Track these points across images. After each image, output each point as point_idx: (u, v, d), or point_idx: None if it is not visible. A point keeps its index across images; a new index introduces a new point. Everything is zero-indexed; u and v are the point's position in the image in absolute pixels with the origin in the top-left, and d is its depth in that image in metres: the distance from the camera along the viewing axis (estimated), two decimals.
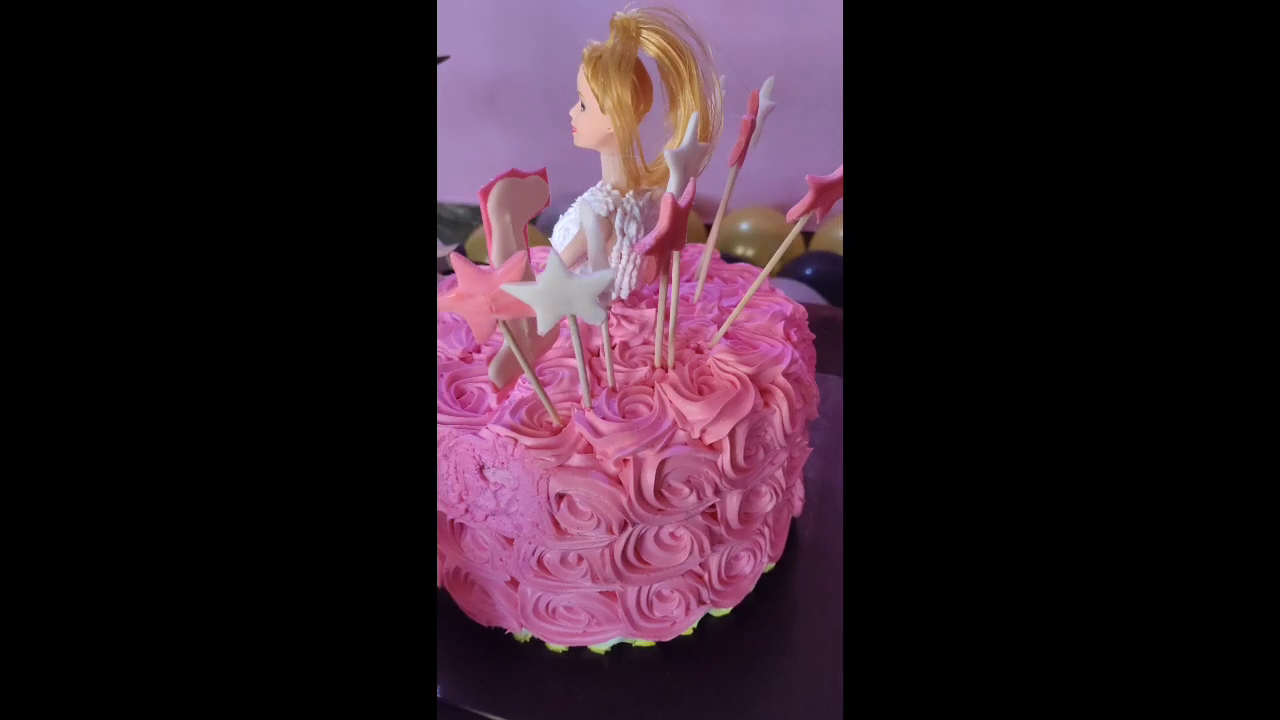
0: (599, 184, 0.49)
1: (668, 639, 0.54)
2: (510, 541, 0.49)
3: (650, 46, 0.44)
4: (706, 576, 0.53)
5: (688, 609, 0.53)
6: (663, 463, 0.45)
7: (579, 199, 0.50)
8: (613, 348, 0.53)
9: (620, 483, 0.45)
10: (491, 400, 0.49)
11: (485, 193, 0.40)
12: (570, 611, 0.51)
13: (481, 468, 0.46)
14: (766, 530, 0.56)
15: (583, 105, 0.47)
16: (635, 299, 0.56)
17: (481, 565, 0.51)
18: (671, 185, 0.46)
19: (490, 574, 0.51)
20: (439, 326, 0.56)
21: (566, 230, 0.50)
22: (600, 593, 0.50)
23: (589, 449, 0.45)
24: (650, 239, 0.39)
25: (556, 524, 0.46)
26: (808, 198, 0.44)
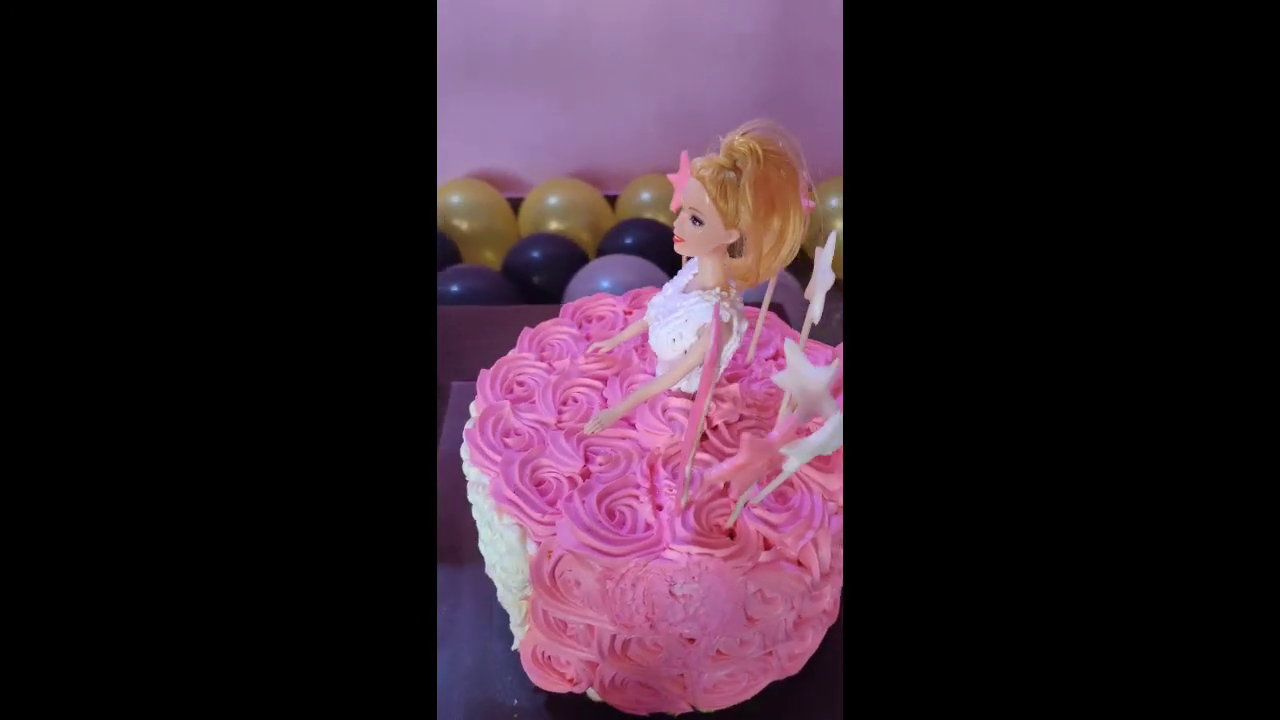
0: (702, 290, 0.51)
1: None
2: (692, 640, 0.51)
3: (773, 168, 0.46)
4: None
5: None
6: None
7: (685, 307, 0.51)
8: (714, 429, 0.56)
9: (803, 564, 0.49)
10: (646, 514, 0.50)
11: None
12: (732, 678, 0.56)
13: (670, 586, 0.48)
14: None
15: (696, 220, 0.48)
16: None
17: (656, 668, 0.53)
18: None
19: (665, 671, 0.53)
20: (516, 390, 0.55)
21: (678, 337, 0.51)
22: (764, 654, 0.55)
23: (768, 544, 0.49)
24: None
25: (749, 617, 0.50)
26: None
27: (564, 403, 0.58)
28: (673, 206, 0.65)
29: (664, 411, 0.55)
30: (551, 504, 0.51)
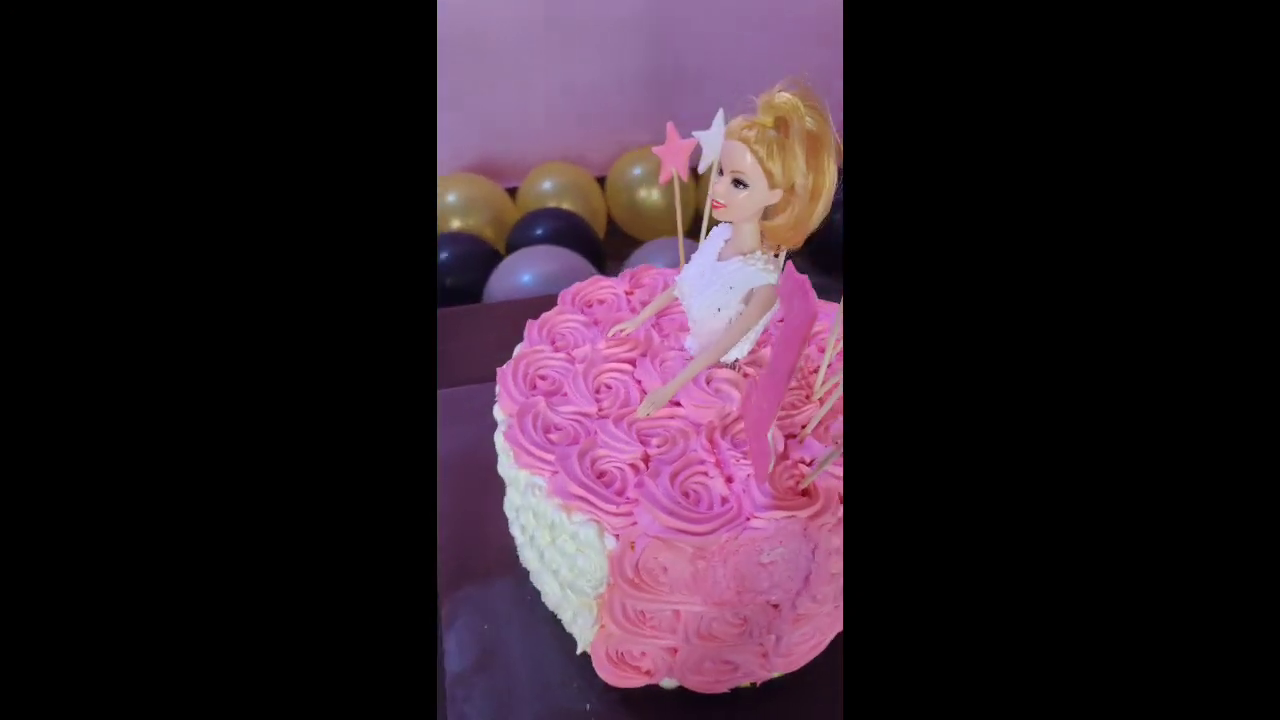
0: (747, 254, 0.50)
1: None
2: (777, 606, 0.51)
3: (809, 122, 0.46)
4: None
5: None
6: None
7: (729, 271, 0.50)
8: None
9: None
10: (719, 489, 0.49)
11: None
12: (806, 637, 0.56)
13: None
14: None
15: (739, 183, 0.47)
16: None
17: (739, 641, 0.52)
18: None
19: (748, 644, 0.53)
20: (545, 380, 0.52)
21: (723, 306, 0.51)
22: (836, 607, 0.56)
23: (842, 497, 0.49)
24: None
25: (831, 573, 0.50)
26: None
27: (597, 391, 0.56)
28: (661, 180, 0.64)
29: (709, 383, 0.54)
30: (620, 494, 0.49)
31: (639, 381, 0.57)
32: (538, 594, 0.62)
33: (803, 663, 0.58)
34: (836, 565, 0.50)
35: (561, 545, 0.51)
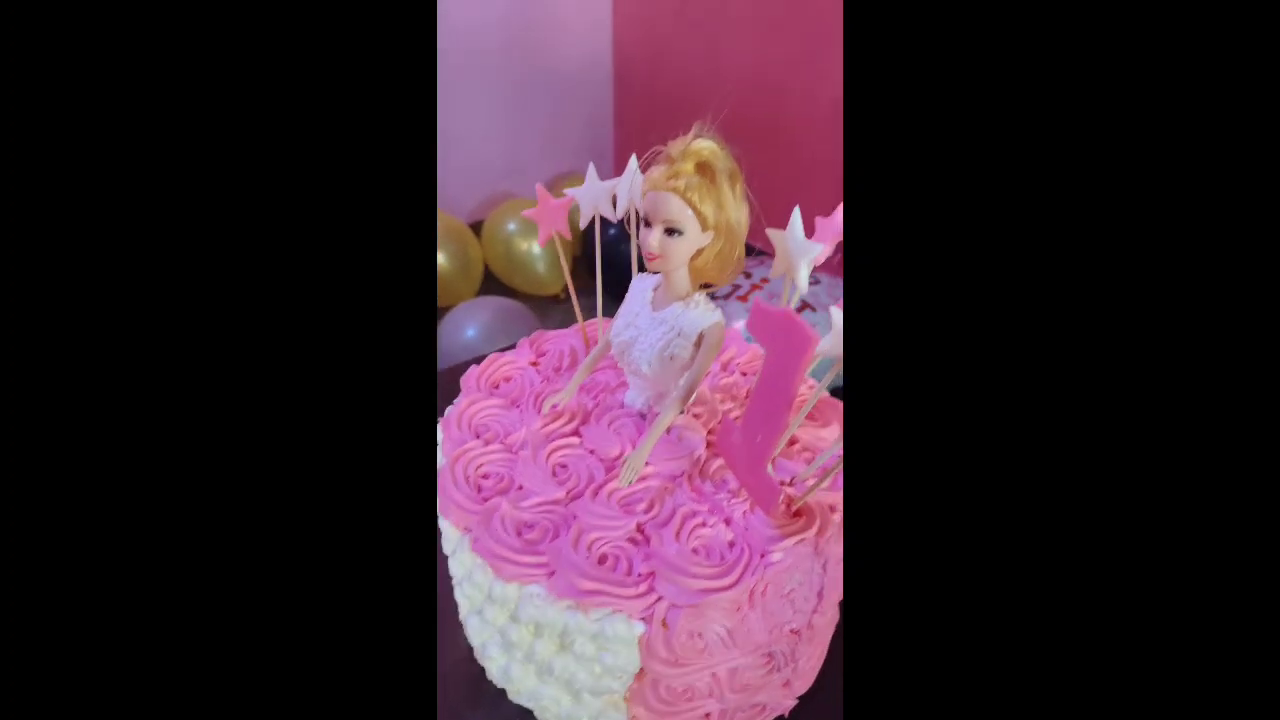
0: (685, 299, 0.50)
1: None
2: (797, 632, 0.51)
3: (727, 162, 0.47)
4: None
5: None
6: None
7: (673, 318, 0.50)
8: (710, 432, 0.55)
9: None
10: (724, 534, 0.48)
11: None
12: (819, 653, 0.57)
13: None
14: None
15: (672, 231, 0.47)
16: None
17: (769, 680, 0.51)
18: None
19: (777, 678, 0.51)
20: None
21: (675, 353, 0.50)
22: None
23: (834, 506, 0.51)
24: None
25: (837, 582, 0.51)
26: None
27: (554, 474, 0.52)
28: (540, 242, 0.62)
29: (669, 433, 0.53)
30: (629, 574, 0.46)
31: (592, 451, 0.54)
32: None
33: (814, 678, 0.58)
34: (839, 572, 0.52)
35: (579, 649, 0.46)
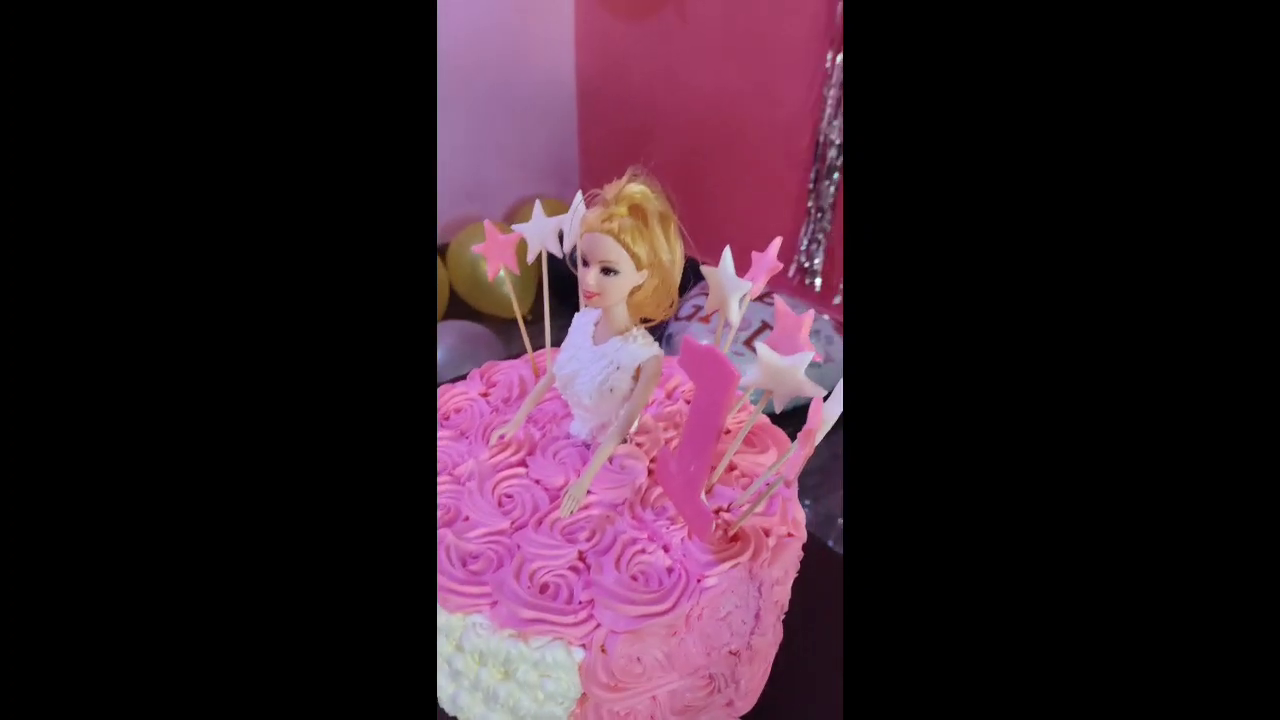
0: (624, 333, 0.52)
1: None
2: (736, 653, 0.52)
3: (658, 204, 0.49)
4: None
5: None
6: None
7: (612, 352, 0.52)
8: (652, 461, 0.57)
9: (793, 533, 0.54)
10: (662, 560, 0.49)
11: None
12: (762, 671, 0.58)
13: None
14: None
15: (608, 270, 0.49)
16: None
17: (711, 701, 0.52)
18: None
19: (719, 699, 0.53)
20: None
21: (614, 385, 0.52)
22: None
23: (769, 530, 0.53)
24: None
25: (776, 602, 0.53)
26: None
27: (499, 504, 0.54)
28: (490, 276, 0.64)
29: (612, 462, 0.55)
30: (570, 601, 0.47)
31: (537, 481, 0.55)
32: None
33: (758, 695, 0.60)
34: (778, 594, 0.54)
35: (522, 677, 0.47)
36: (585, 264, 0.50)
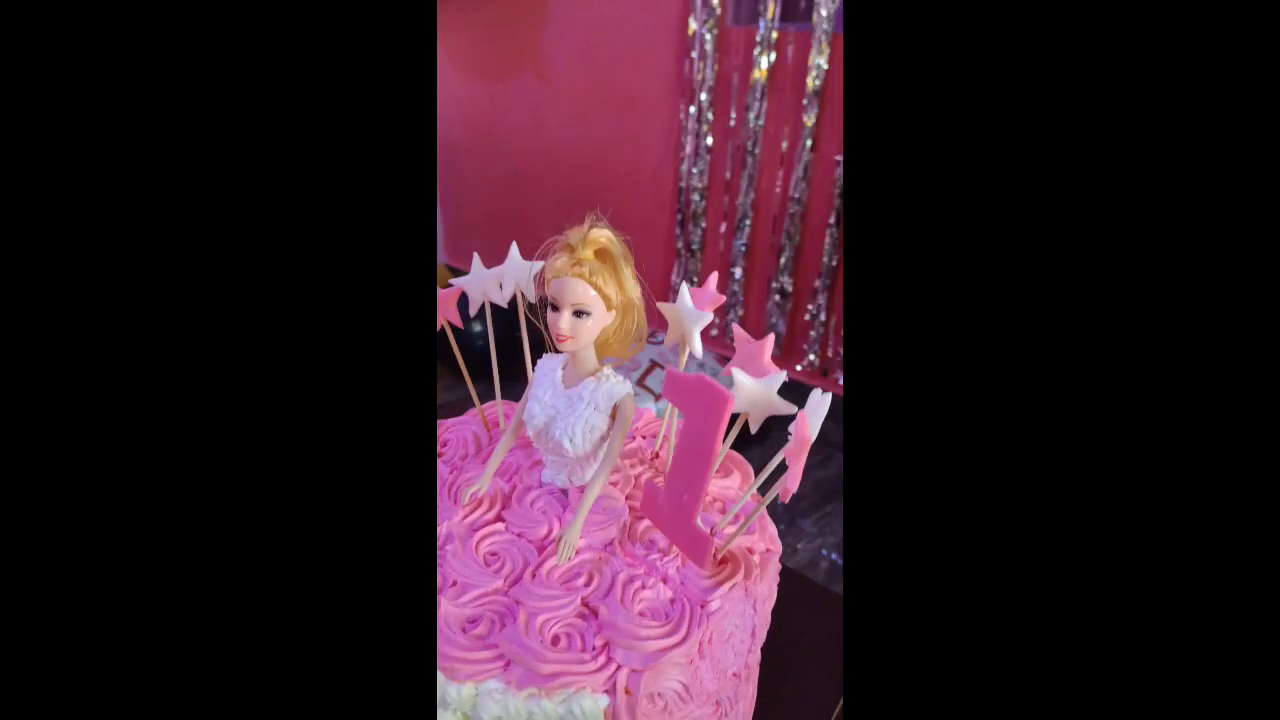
0: (595, 374, 0.53)
1: None
2: (737, 675, 0.53)
3: (619, 248, 0.51)
4: None
5: None
6: None
7: (587, 394, 0.52)
8: (629, 496, 0.58)
9: (770, 548, 0.57)
10: (664, 593, 0.50)
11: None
12: (753, 689, 0.59)
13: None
14: None
15: (580, 313, 0.50)
16: None
17: None
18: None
19: None
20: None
21: (594, 426, 0.52)
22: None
23: (752, 549, 0.55)
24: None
25: (768, 616, 0.55)
26: None
27: (486, 564, 0.52)
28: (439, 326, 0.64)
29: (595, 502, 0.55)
30: (584, 650, 0.46)
31: (519, 534, 0.54)
32: None
33: (750, 716, 0.61)
34: (766, 610, 0.56)
35: None
36: (554, 309, 0.50)
